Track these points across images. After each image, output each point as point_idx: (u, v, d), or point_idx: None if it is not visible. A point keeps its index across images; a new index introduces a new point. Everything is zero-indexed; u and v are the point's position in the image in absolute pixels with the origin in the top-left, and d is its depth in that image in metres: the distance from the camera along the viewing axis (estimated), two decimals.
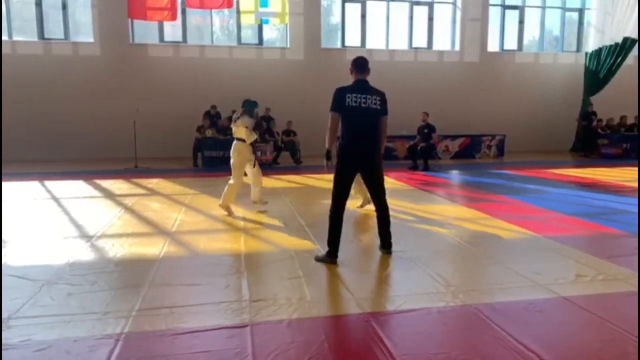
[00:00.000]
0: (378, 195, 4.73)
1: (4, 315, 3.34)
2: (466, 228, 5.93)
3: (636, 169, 11.58)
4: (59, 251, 4.93)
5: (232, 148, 6.59)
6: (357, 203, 6.97)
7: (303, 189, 9.02)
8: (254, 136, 6.55)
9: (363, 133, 4.50)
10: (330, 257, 4.55)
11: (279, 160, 13.15)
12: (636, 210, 6.91)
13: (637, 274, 4.17)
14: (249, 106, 6.58)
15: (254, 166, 6.72)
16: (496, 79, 16.38)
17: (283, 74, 14.79)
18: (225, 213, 6.57)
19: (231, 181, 6.56)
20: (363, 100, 4.45)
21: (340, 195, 4.58)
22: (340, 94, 4.47)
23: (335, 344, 3.01)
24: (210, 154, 12.66)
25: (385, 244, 4.80)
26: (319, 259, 4.59)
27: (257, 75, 14.58)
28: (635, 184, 9.35)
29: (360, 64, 4.63)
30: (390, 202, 7.27)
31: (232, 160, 6.59)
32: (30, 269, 4.34)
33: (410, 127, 13.42)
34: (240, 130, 6.47)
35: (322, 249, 4.76)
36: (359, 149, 4.52)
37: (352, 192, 4.89)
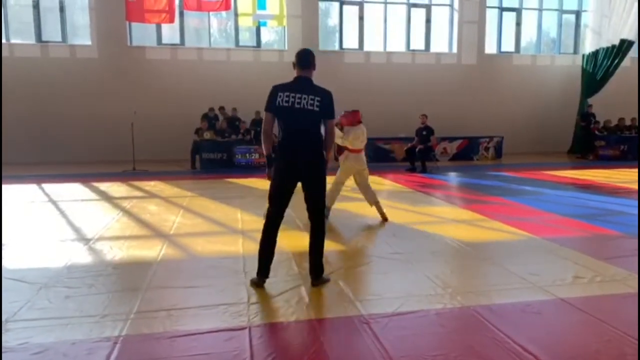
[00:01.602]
0: (312, 211, 4.03)
1: (1, 319, 3.33)
2: (464, 230, 5.94)
3: (633, 170, 11.61)
4: (56, 254, 4.92)
5: None
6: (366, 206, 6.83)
7: (301, 191, 8.98)
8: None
9: (296, 136, 3.92)
10: (258, 277, 4.01)
11: None
12: (633, 211, 6.93)
13: (635, 275, 4.18)
14: None
15: None
16: (494, 81, 16.42)
17: (281, 77, 14.50)
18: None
19: None
20: (297, 100, 3.87)
21: (274, 206, 4.00)
22: (272, 93, 3.96)
23: (333, 347, 3.01)
24: (208, 156, 12.67)
25: (314, 271, 4.06)
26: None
27: (255, 78, 14.53)
28: (633, 186, 9.38)
29: (301, 58, 4.04)
30: (388, 204, 7.32)
31: None
32: (28, 272, 4.33)
33: (407, 129, 13.44)
34: None
35: None
36: (291, 154, 3.92)
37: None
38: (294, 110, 3.88)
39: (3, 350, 2.92)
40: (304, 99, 3.89)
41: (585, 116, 15.98)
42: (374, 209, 6.52)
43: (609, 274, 4.28)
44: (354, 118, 6.36)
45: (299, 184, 4.04)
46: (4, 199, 8.03)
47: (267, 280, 4.03)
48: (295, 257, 4.78)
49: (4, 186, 9.24)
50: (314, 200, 4.03)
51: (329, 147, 4.10)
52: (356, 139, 6.28)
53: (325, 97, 3.96)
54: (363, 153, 6.47)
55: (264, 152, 4.05)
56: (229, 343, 3.02)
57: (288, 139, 3.95)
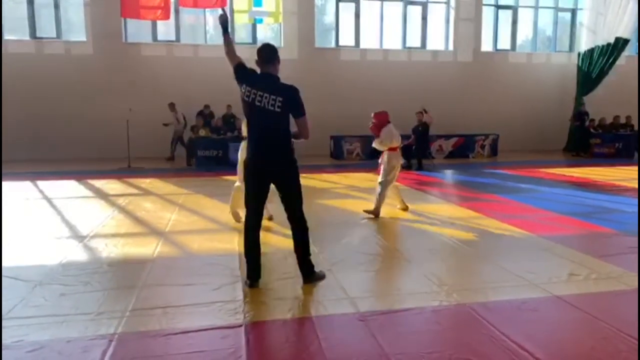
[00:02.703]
0: (290, 211, 3.92)
1: None
2: (460, 227, 5.94)
3: (628, 168, 11.67)
4: (51, 251, 4.90)
5: (241, 147, 6.09)
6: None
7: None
8: None
9: (259, 136, 3.79)
10: (249, 280, 3.93)
11: None
12: (628, 209, 6.97)
13: (629, 273, 4.20)
14: None
15: None
16: (489, 78, 16.44)
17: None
18: (233, 217, 6.19)
19: (237, 183, 6.22)
20: (258, 98, 3.69)
21: (248, 210, 3.93)
22: (239, 71, 3.86)
23: (329, 344, 3.00)
24: (203, 153, 12.65)
25: (306, 270, 4.01)
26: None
27: None
28: (628, 183, 9.42)
29: (262, 53, 3.83)
30: (385, 201, 7.31)
31: (239, 160, 6.12)
32: (23, 270, 4.31)
33: (404, 127, 13.42)
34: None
35: (316, 250, 4.74)
36: (257, 155, 3.82)
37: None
38: (254, 107, 3.72)
39: None
40: (265, 97, 3.68)
41: (579, 115, 16.04)
42: (372, 207, 6.59)
43: (605, 271, 4.29)
44: (384, 118, 6.64)
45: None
46: None
47: (263, 278, 4.02)
48: (290, 255, 4.75)
49: None
50: (291, 202, 3.91)
51: (298, 139, 3.93)
52: (393, 138, 6.57)
53: (289, 96, 3.72)
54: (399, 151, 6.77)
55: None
56: (224, 341, 3.01)
57: (252, 138, 3.83)
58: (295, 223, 3.94)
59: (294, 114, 3.77)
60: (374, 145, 6.80)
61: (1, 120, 12.96)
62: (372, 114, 6.69)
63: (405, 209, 6.91)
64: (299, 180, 3.93)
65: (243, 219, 6.13)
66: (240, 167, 6.22)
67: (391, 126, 6.62)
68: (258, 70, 3.89)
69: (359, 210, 6.77)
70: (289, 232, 5.55)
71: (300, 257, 3.99)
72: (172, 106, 13.44)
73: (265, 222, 6.18)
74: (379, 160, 6.83)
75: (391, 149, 6.62)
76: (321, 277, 4.10)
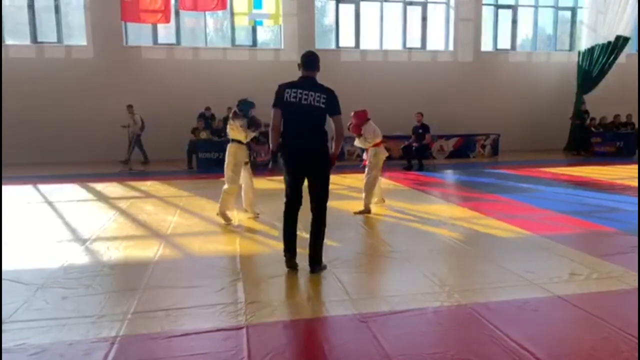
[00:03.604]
0: (315, 202, 4.32)
1: None
2: (461, 227, 5.95)
3: (629, 167, 11.65)
4: (53, 255, 4.91)
5: (227, 151, 6.29)
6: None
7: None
8: (252, 134, 6.34)
9: (301, 131, 4.22)
10: (288, 255, 4.37)
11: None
12: (629, 208, 6.96)
13: (631, 272, 4.19)
14: (244, 106, 6.36)
15: (247, 164, 6.42)
16: (490, 78, 16.43)
17: (277, 76, 14.51)
18: (223, 222, 6.23)
19: (226, 186, 6.27)
20: (304, 96, 4.16)
21: (288, 195, 4.36)
22: (279, 90, 4.26)
23: (331, 345, 3.01)
24: (204, 155, 12.66)
25: (312, 260, 4.32)
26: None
27: (251, 77, 14.53)
28: (629, 182, 9.41)
29: (306, 60, 4.31)
30: (385, 202, 7.32)
31: (225, 163, 6.29)
32: (25, 273, 4.32)
33: (404, 127, 13.44)
34: (235, 130, 6.22)
35: None
36: (297, 147, 4.24)
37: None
38: (300, 106, 4.15)
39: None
40: (311, 95, 4.15)
41: (579, 114, 16.02)
42: (362, 208, 6.76)
43: (605, 271, 4.29)
44: (363, 117, 6.87)
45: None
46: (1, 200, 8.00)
47: (265, 280, 4.03)
48: None
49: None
50: (317, 192, 4.29)
51: (338, 142, 4.37)
52: (375, 134, 6.83)
53: (330, 95, 4.22)
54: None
55: (271, 147, 4.33)
56: (226, 343, 3.02)
57: (294, 133, 4.21)
58: (317, 215, 4.32)
59: (333, 111, 4.23)
60: (356, 144, 7.11)
61: (1, 123, 12.96)
62: (352, 113, 6.82)
63: (382, 201, 7.31)
64: (329, 176, 4.36)
65: (232, 221, 6.23)
66: (228, 168, 6.27)
67: (371, 122, 6.90)
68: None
69: (375, 213, 6.79)
70: None
71: (312, 248, 4.31)
72: (129, 108, 13.15)
73: (261, 224, 6.23)
74: (364, 157, 7.22)
75: (375, 144, 6.86)
76: (324, 267, 4.37)
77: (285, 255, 4.37)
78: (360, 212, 6.67)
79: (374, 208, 6.87)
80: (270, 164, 4.50)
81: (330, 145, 4.36)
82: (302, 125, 4.21)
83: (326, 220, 4.37)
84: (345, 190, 8.67)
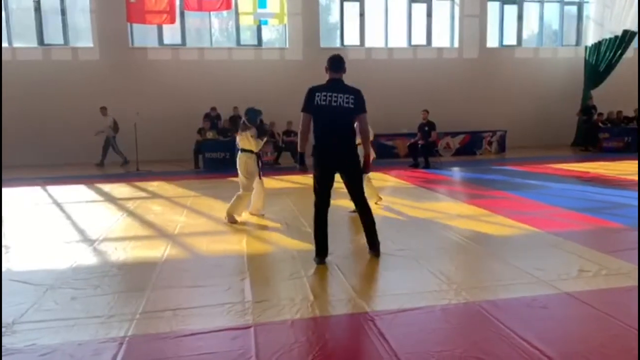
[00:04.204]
0: (355, 197, 4.62)
1: (8, 321, 3.35)
2: (468, 225, 5.92)
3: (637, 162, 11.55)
4: (62, 256, 4.94)
5: (238, 161, 6.34)
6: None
7: (304, 189, 9.00)
8: (262, 142, 6.39)
9: (333, 132, 4.41)
10: (318, 257, 4.50)
11: (280, 161, 13.18)
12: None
13: None
14: (252, 115, 6.35)
15: (260, 178, 6.48)
16: (496, 75, 16.36)
17: (283, 75, 14.79)
18: (228, 219, 6.30)
19: (240, 192, 6.33)
20: (334, 98, 4.35)
21: (319, 196, 4.52)
22: (310, 94, 4.39)
23: (338, 344, 3.01)
24: (211, 155, 12.70)
25: (373, 246, 4.69)
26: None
27: (256, 76, 14.59)
28: (637, 177, 9.33)
29: (335, 63, 4.50)
30: (392, 200, 7.33)
31: (240, 176, 6.35)
32: (34, 274, 4.36)
33: (410, 125, 13.42)
34: (245, 140, 6.25)
35: None
36: (330, 148, 4.43)
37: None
38: (331, 107, 4.34)
39: (11, 352, 2.94)
40: (340, 97, 4.35)
41: (586, 109, 15.91)
42: (374, 205, 6.65)
43: (615, 267, 4.26)
44: None
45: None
46: (9, 202, 8.07)
47: (272, 279, 4.04)
48: (299, 255, 4.78)
49: (8, 189, 9.29)
50: (354, 188, 4.57)
51: (367, 139, 4.60)
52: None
53: (358, 94, 4.45)
54: None
55: (299, 150, 4.53)
56: (234, 342, 3.02)
57: (326, 134, 4.40)
58: (360, 206, 4.61)
59: (360, 111, 4.45)
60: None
61: (1, 122, 13.01)
62: None
63: (379, 199, 7.17)
64: (360, 170, 4.60)
65: (238, 221, 6.23)
66: (243, 180, 6.29)
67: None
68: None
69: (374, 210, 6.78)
70: (295, 233, 5.63)
71: (369, 236, 4.64)
72: (103, 110, 13.17)
73: (268, 223, 6.24)
74: None
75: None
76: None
77: (317, 257, 4.50)
78: (353, 212, 6.59)
79: (405, 210, 6.79)
80: (298, 166, 4.64)
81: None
82: (333, 126, 4.39)
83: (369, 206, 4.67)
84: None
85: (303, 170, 4.65)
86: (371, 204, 6.88)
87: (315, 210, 4.52)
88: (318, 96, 4.35)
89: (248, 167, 6.29)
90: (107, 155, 13.35)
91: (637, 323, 3.13)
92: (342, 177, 4.57)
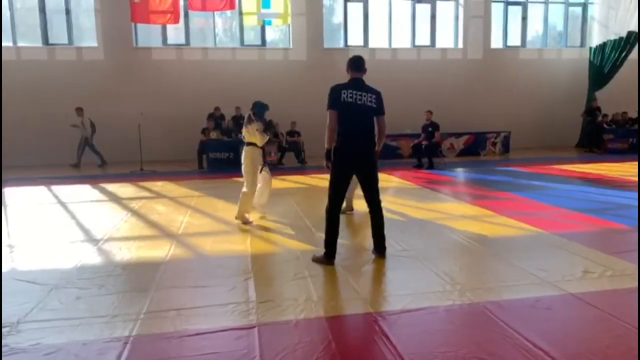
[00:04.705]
0: (371, 196, 4.62)
1: (13, 320, 3.37)
2: (472, 226, 5.91)
3: None
4: (66, 255, 4.96)
5: (243, 154, 6.34)
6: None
7: (308, 190, 9.03)
8: (267, 137, 6.39)
9: (357, 130, 4.43)
10: (328, 259, 4.50)
11: (284, 161, 13.19)
12: None
13: None
14: (259, 109, 6.36)
15: (260, 171, 6.46)
16: (500, 75, 16.33)
17: (286, 75, 14.81)
18: (241, 221, 6.24)
19: (244, 189, 6.32)
20: (358, 97, 4.40)
21: (336, 194, 4.52)
22: (336, 91, 4.43)
23: (342, 344, 3.01)
24: (215, 155, 12.72)
25: (379, 248, 4.68)
26: (316, 259, 4.56)
27: (260, 77, 14.60)
28: None
29: (357, 63, 4.56)
30: (396, 200, 7.32)
31: (243, 167, 6.34)
32: (39, 274, 4.37)
33: (414, 126, 13.41)
34: (252, 134, 6.25)
35: (326, 250, 4.73)
36: (353, 146, 4.44)
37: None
38: (356, 106, 4.39)
39: (15, 351, 2.95)
40: (364, 96, 4.43)
41: (590, 110, 15.86)
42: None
43: (619, 268, 4.25)
44: None
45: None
46: (13, 201, 8.10)
47: (275, 279, 4.05)
48: (303, 256, 4.78)
49: (12, 188, 9.33)
50: (371, 187, 4.59)
51: (381, 140, 4.63)
52: None
53: (379, 95, 4.53)
54: None
55: (327, 146, 4.49)
56: (238, 342, 3.03)
57: (349, 132, 4.41)
58: (375, 207, 4.63)
59: (380, 111, 4.53)
60: None
61: (1, 122, 13.04)
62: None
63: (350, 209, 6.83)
64: (378, 170, 4.63)
65: (251, 220, 6.24)
66: (247, 173, 6.29)
67: None
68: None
69: (366, 209, 6.76)
70: (299, 233, 5.63)
71: (377, 237, 4.65)
72: (79, 110, 13.13)
73: (272, 224, 6.24)
74: None
75: None
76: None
77: (326, 257, 4.50)
78: (345, 212, 6.55)
79: (408, 211, 6.78)
80: (325, 163, 4.57)
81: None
82: (358, 124, 4.42)
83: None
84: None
85: (330, 168, 4.58)
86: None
87: (328, 217, 4.50)
88: (344, 93, 4.39)
89: (253, 159, 6.30)
90: (83, 156, 13.26)
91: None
92: (358, 177, 4.58)
